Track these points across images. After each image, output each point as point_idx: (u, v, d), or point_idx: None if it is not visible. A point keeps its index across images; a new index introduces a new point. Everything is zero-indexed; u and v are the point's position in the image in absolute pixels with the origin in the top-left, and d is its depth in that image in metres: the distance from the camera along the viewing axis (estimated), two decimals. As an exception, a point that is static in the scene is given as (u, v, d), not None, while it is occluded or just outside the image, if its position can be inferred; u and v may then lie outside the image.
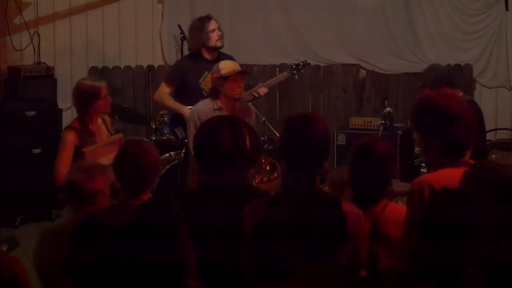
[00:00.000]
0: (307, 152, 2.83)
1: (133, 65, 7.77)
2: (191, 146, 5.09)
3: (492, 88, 7.91)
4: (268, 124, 6.31)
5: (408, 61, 7.87)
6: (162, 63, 7.90)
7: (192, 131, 5.09)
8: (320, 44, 7.90)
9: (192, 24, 6.16)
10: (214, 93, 5.21)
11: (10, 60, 7.19)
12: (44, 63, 7.09)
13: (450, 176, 2.99)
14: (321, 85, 7.95)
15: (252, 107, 5.54)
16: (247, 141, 3.14)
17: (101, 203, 3.44)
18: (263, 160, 5.75)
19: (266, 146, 6.36)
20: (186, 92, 5.95)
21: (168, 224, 2.53)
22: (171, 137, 6.38)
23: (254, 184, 5.11)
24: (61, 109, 7.05)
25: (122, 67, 7.74)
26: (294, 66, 6.35)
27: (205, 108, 5.15)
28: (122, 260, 2.55)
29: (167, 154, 6.29)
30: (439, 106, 3.10)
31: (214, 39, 5.98)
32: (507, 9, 7.73)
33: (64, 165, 4.45)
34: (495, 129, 7.63)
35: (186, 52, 7.27)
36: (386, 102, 7.82)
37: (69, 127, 4.66)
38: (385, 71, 7.92)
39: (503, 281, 2.42)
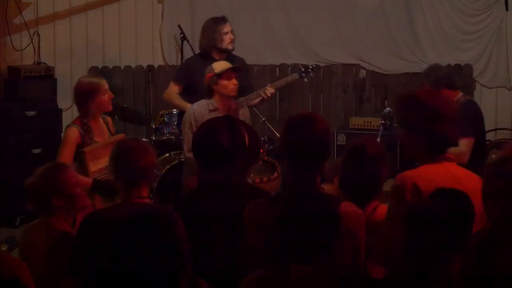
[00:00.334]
0: (307, 152, 2.84)
1: (133, 65, 7.77)
2: (185, 147, 5.09)
3: (492, 88, 7.91)
4: (268, 124, 6.31)
5: (408, 61, 7.87)
6: (162, 63, 7.89)
7: (187, 132, 5.07)
8: (320, 44, 7.90)
9: (206, 24, 6.14)
10: (209, 93, 5.18)
11: (10, 60, 7.20)
12: (44, 63, 7.09)
13: (433, 172, 3.04)
14: (321, 85, 7.95)
15: (246, 107, 5.51)
16: (246, 138, 3.15)
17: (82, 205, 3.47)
18: (265, 158, 5.74)
19: (266, 146, 6.35)
20: (194, 91, 5.94)
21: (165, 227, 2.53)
22: (171, 137, 6.38)
23: (254, 184, 5.11)
24: (61, 109, 7.05)
25: (122, 67, 7.74)
26: (303, 69, 6.31)
27: (200, 109, 5.12)
28: (124, 259, 2.55)
29: (167, 154, 6.29)
30: (423, 103, 3.12)
31: (226, 41, 5.98)
32: (507, 9, 7.74)
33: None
34: (495, 129, 7.63)
35: (186, 52, 7.28)
36: (386, 102, 7.82)
37: (72, 124, 4.62)
38: (385, 71, 7.92)
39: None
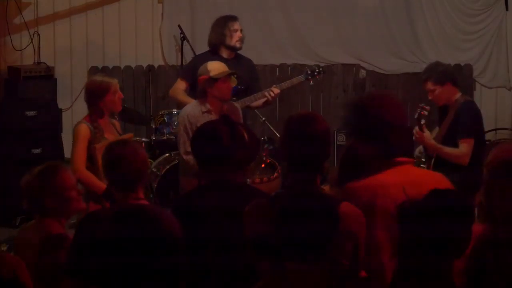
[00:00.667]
0: (307, 152, 2.84)
1: (133, 65, 7.77)
2: (181, 149, 5.08)
3: (492, 88, 7.92)
4: (268, 124, 6.31)
5: (408, 61, 7.88)
6: (162, 63, 7.90)
7: (182, 134, 5.06)
8: (320, 44, 7.91)
9: (217, 20, 6.11)
10: (202, 95, 5.15)
11: (10, 60, 7.20)
12: (44, 63, 7.10)
13: (382, 181, 2.90)
14: (321, 85, 7.95)
15: (239, 107, 5.47)
16: (245, 138, 3.16)
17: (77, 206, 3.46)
18: (264, 159, 5.74)
19: (266, 146, 6.35)
20: None
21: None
22: (171, 137, 6.38)
23: (254, 184, 5.11)
24: (61, 109, 7.05)
25: (122, 67, 7.74)
26: (310, 72, 6.28)
27: (194, 111, 5.10)
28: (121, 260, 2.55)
29: (167, 154, 6.29)
30: (373, 112, 2.98)
31: (235, 39, 5.96)
32: (507, 9, 7.75)
33: (80, 159, 4.51)
34: (495, 129, 7.64)
35: (186, 52, 7.28)
36: (386, 102, 7.81)
37: (81, 121, 4.67)
38: (385, 71, 7.93)
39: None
